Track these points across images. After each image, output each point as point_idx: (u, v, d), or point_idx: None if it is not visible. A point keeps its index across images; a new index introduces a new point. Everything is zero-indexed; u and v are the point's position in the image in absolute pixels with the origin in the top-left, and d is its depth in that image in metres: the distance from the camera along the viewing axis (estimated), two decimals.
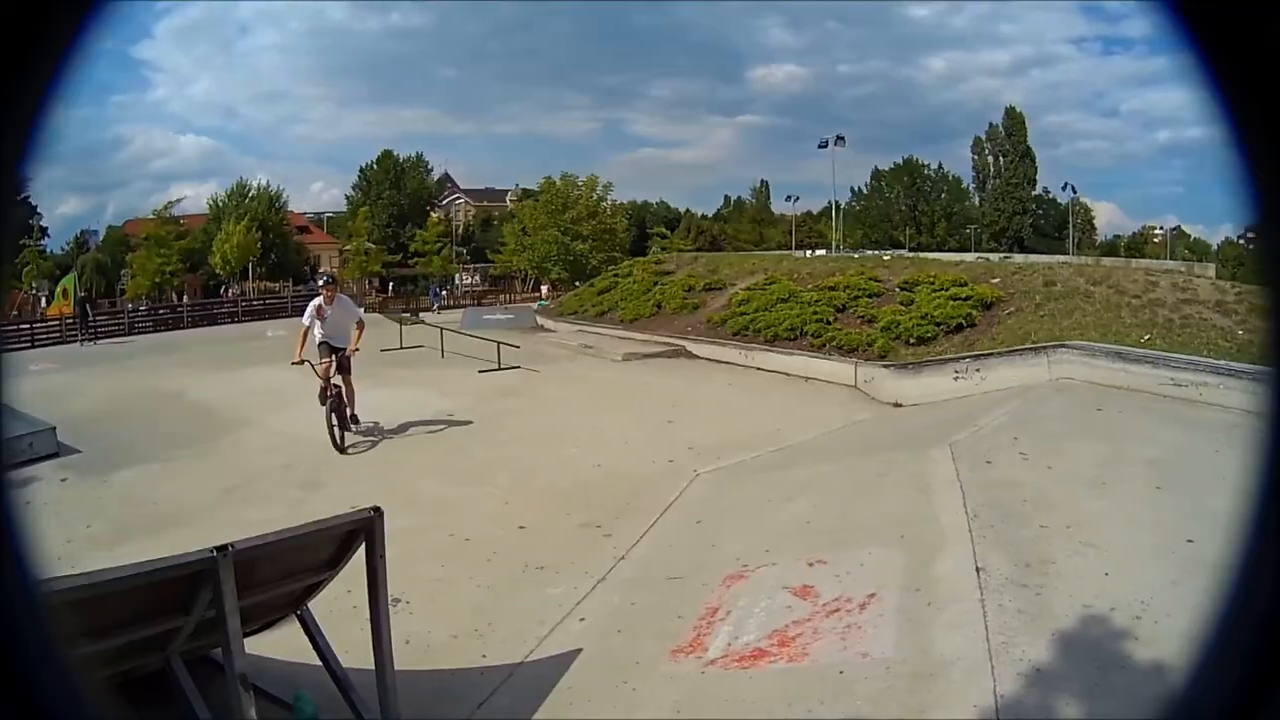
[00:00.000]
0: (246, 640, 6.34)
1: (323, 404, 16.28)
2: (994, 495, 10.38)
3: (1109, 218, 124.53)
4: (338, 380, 16.46)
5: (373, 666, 7.07)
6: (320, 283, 17.97)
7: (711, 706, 7.02)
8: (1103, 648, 6.96)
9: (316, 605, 7.45)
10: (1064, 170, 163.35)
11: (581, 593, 9.51)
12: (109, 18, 1.39)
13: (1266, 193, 1.29)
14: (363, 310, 19.73)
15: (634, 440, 15.36)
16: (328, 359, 16.54)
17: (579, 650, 8.17)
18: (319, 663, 7.30)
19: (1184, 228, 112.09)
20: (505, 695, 7.62)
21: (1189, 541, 8.86)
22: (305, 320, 16.91)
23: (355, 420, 16.74)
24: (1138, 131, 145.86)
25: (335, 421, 16.18)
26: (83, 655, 5.49)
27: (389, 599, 7.14)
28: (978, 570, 8.28)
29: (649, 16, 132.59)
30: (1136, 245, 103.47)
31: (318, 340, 16.75)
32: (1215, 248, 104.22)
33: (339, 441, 16.07)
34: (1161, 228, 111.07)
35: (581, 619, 8.94)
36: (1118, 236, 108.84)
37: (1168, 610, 7.37)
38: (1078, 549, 8.85)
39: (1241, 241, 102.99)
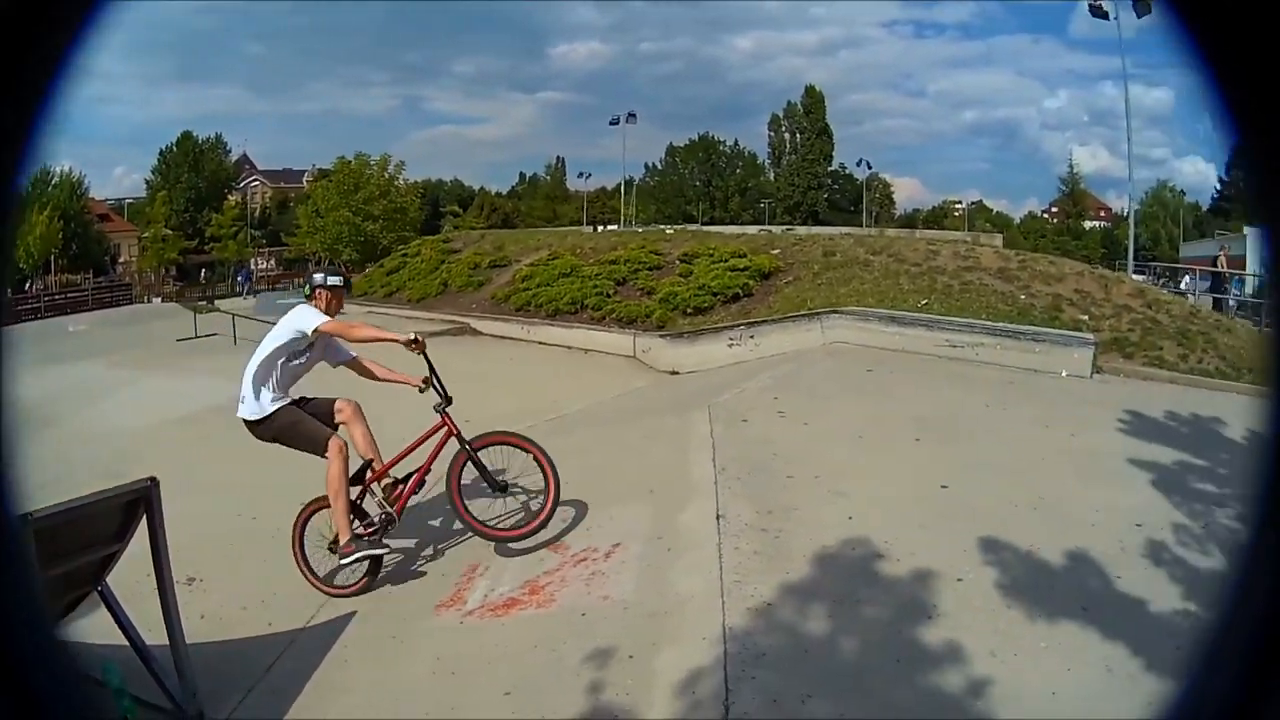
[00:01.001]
0: (61, 625, 6.63)
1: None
2: (745, 450, 10.88)
3: (910, 193, 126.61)
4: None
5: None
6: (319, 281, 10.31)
7: (467, 653, 7.43)
8: (838, 584, 7.50)
9: (124, 585, 7.57)
10: (867, 147, 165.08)
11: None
12: (109, 17, 1.44)
13: (1266, 193, 1.30)
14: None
15: (415, 417, 15.25)
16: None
17: (354, 613, 8.52)
18: (122, 643, 7.40)
19: (985, 202, 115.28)
20: (290, 658, 7.88)
21: (943, 487, 9.63)
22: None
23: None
24: (945, 111, 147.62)
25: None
26: None
27: (174, 575, 7.42)
28: (718, 518, 8.78)
29: None
30: (936, 219, 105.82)
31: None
32: (1017, 221, 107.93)
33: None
34: (961, 202, 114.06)
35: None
36: (917, 210, 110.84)
37: (911, 549, 7.99)
38: (825, 497, 9.39)
39: (1045, 215, 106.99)
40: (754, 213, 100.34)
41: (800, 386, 14.50)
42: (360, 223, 53.85)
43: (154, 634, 7.42)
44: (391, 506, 9.51)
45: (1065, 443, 11.61)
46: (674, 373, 19.23)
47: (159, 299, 57.83)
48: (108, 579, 7.46)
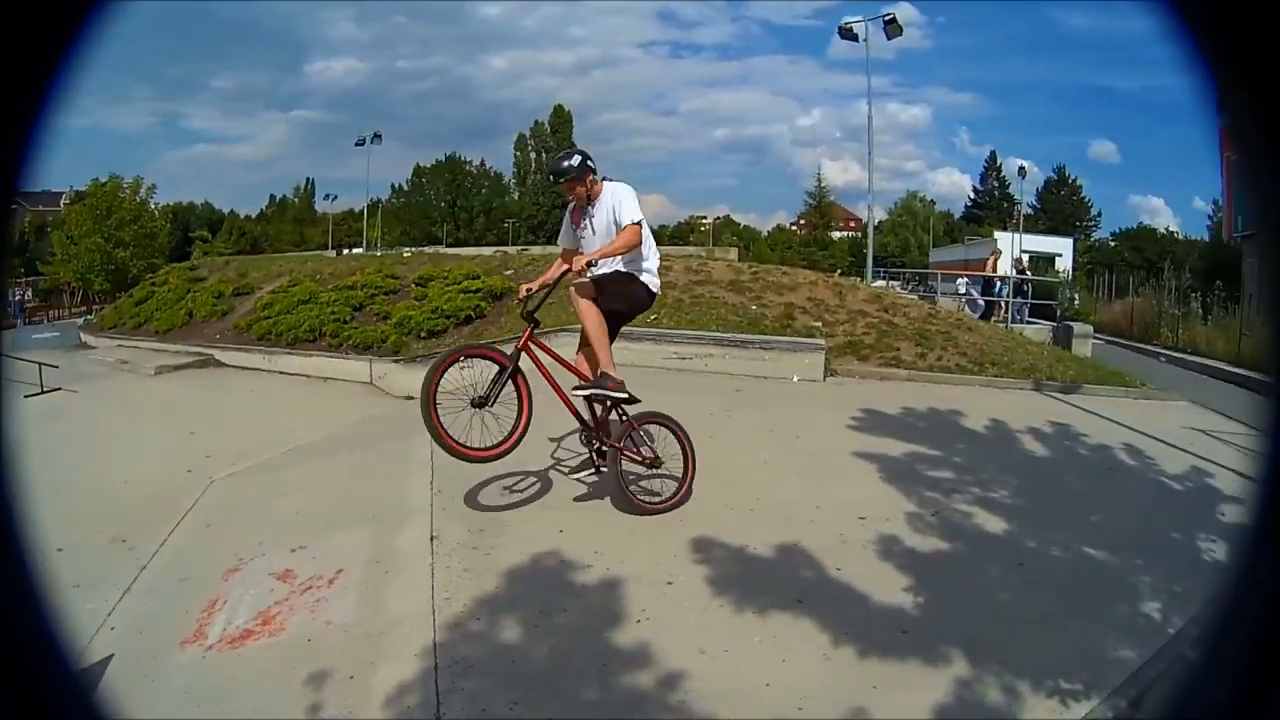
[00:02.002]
0: None
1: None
2: (462, 471, 10.73)
3: (657, 209, 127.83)
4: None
5: None
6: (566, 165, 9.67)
7: (211, 684, 7.47)
8: (545, 594, 7.70)
9: None
10: (616, 165, 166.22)
11: (111, 604, 9.62)
12: (110, 17, 1.44)
13: (1265, 194, 1.29)
14: None
15: (160, 454, 15.26)
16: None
17: (111, 655, 8.26)
18: None
19: (734, 216, 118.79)
20: None
21: None
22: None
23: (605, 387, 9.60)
24: (696, 129, 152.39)
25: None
26: None
27: None
28: (432, 539, 8.98)
29: (230, 6, 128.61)
30: (682, 234, 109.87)
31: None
32: (765, 234, 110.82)
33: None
34: (707, 217, 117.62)
35: (112, 627, 9.11)
36: (663, 226, 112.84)
37: (621, 557, 8.28)
38: (536, 512, 9.64)
39: (794, 228, 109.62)
40: (499, 233, 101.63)
41: None
42: (112, 250, 52.12)
43: None
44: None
45: (791, 444, 11.99)
46: (409, 398, 18.47)
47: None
48: None
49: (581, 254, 9.41)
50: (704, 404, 13.72)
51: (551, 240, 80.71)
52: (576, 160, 9.60)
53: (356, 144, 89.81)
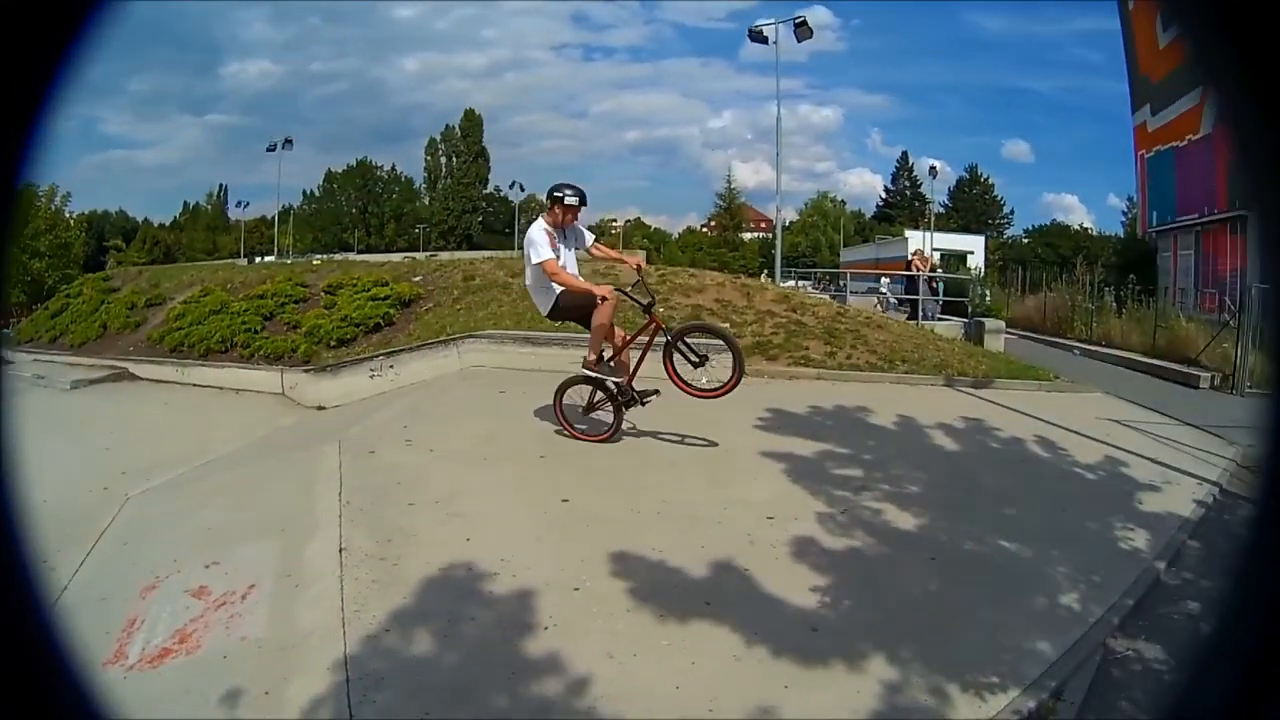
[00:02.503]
0: None
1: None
2: (370, 481, 11.02)
3: None
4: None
5: None
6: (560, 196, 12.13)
7: (132, 704, 7.24)
8: (453, 604, 7.70)
9: None
10: (525, 168, 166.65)
11: None
12: (110, 17, 1.46)
13: (1264, 193, 1.28)
14: None
15: (76, 470, 14.84)
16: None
17: None
18: None
19: (644, 218, 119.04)
20: None
21: (564, 501, 9.95)
22: (545, 252, 11.72)
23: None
24: (606, 131, 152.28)
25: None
26: None
27: None
28: (341, 550, 8.94)
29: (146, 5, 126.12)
30: (594, 233, 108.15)
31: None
32: (676, 235, 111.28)
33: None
34: (618, 220, 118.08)
35: None
36: None
37: (528, 564, 8.29)
38: (443, 520, 9.60)
39: (704, 229, 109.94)
40: (409, 238, 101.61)
41: (431, 413, 14.70)
42: (27, 260, 51.47)
43: None
44: (620, 376, 12.22)
45: (694, 446, 12.03)
46: (320, 408, 18.85)
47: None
48: None
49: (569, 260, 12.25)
50: None
51: (461, 245, 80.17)
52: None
53: (268, 149, 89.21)
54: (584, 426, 12.47)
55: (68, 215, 55.84)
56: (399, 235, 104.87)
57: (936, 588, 7.96)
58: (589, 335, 12.06)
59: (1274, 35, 1.21)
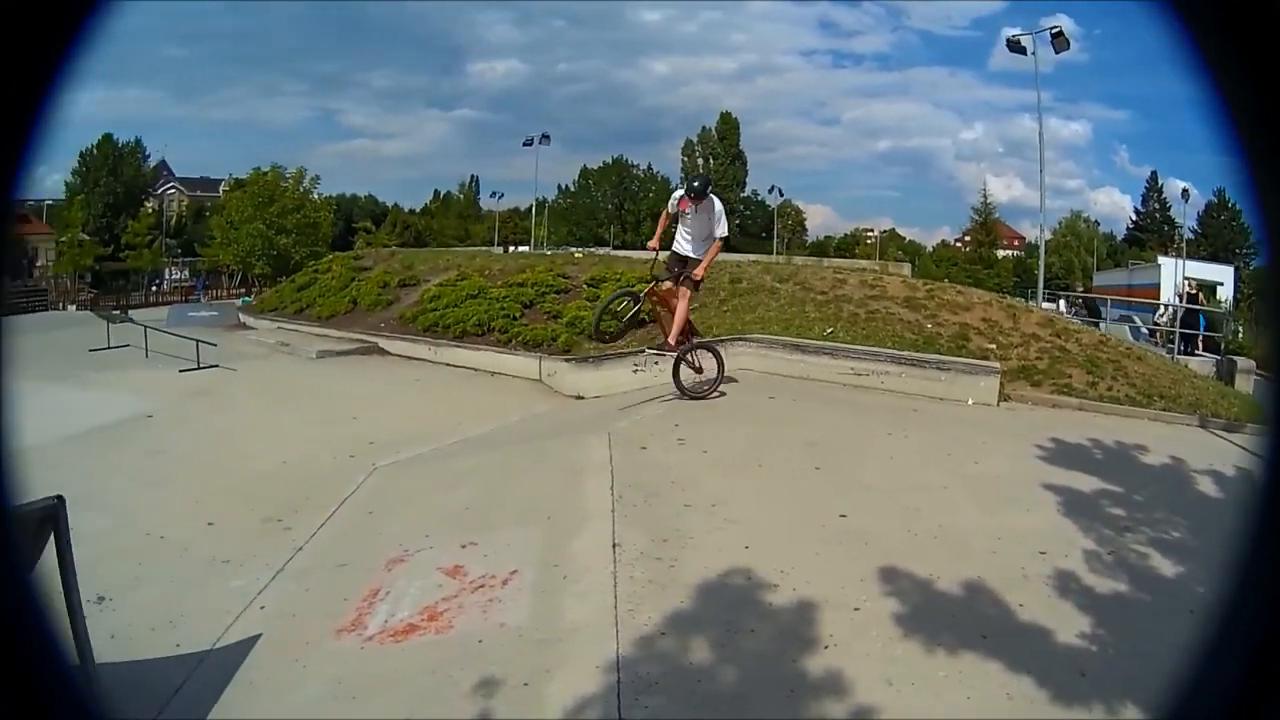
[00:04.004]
0: None
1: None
2: (642, 477, 10.89)
3: (823, 219, 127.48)
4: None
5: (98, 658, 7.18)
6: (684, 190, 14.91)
7: (367, 677, 7.40)
8: (732, 613, 7.51)
9: None
10: (778, 174, 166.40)
11: (262, 583, 9.65)
12: (110, 17, 1.46)
13: (1266, 197, 1.33)
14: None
15: (320, 437, 15.49)
16: (673, 272, 14.91)
17: (259, 635, 8.38)
18: None
19: (898, 230, 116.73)
20: (197, 681, 7.75)
21: (842, 516, 9.65)
22: (670, 207, 15.01)
23: (669, 348, 15.17)
24: (858, 139, 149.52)
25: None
26: None
27: (81, 595, 7.32)
28: (614, 546, 8.83)
29: (383, 8, 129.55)
30: (848, 246, 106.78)
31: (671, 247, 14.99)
32: (930, 249, 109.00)
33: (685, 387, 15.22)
34: (873, 230, 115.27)
35: (262, 607, 9.11)
36: (829, 237, 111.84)
37: (808, 578, 8.04)
38: (720, 525, 9.43)
39: (958, 244, 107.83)
40: (664, 237, 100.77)
41: (700, 413, 14.47)
42: (274, 236, 53.12)
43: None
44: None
45: (968, 470, 11.65)
46: (579, 397, 19.03)
47: (74, 306, 56.71)
48: None
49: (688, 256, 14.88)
50: (880, 423, 13.53)
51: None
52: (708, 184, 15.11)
53: (524, 144, 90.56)
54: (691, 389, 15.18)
55: (315, 196, 57.18)
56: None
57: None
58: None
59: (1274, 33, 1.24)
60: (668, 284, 14.97)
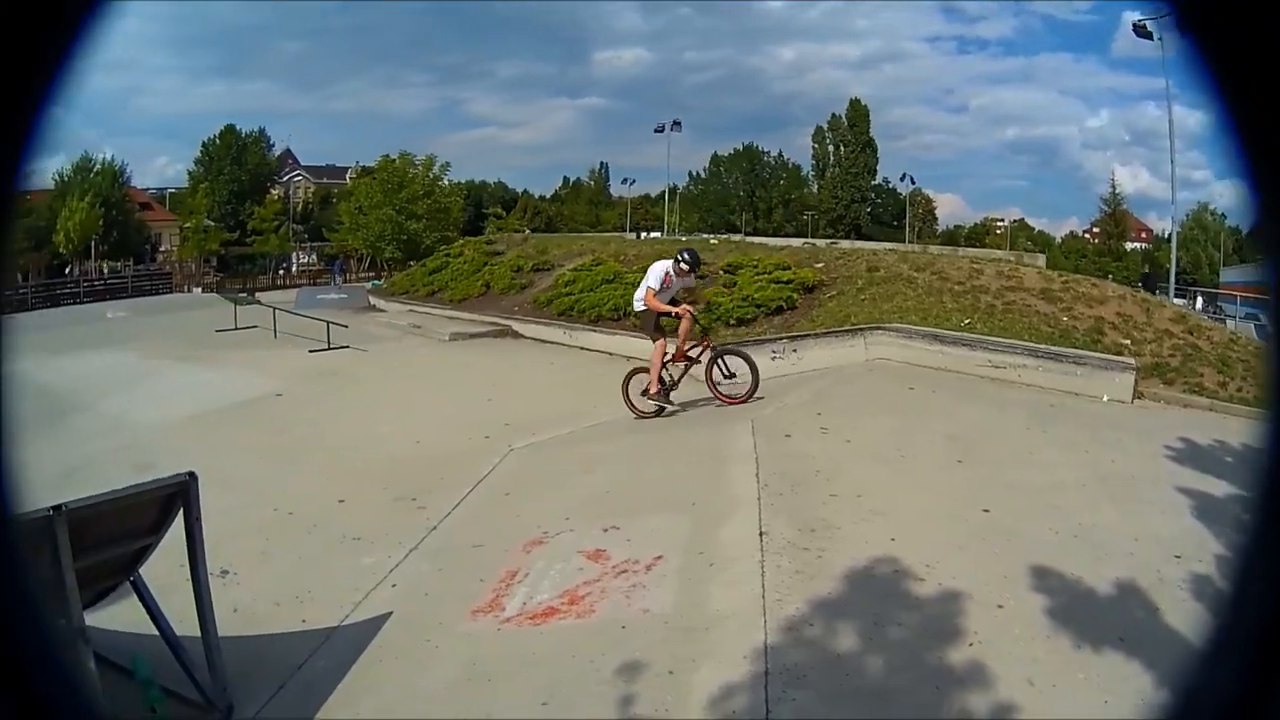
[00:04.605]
0: (88, 613, 6.59)
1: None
2: (787, 466, 10.81)
3: (951, 209, 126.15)
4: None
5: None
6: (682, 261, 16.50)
7: (504, 659, 7.37)
8: (879, 606, 7.39)
9: (154, 578, 7.60)
10: (906, 162, 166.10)
11: (394, 561, 9.72)
12: (109, 16, 1.41)
13: (1265, 192, 1.29)
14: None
15: (454, 418, 15.68)
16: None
17: (389, 613, 8.42)
18: (153, 633, 7.47)
19: (1027, 220, 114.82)
20: (323, 656, 7.84)
21: (984, 511, 9.47)
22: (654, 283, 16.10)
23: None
24: (985, 128, 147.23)
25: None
26: None
27: (209, 567, 7.41)
28: (761, 534, 8.72)
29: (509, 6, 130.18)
30: (978, 235, 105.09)
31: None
32: (1058, 240, 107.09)
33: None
34: (1003, 220, 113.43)
35: (393, 585, 9.18)
36: (959, 226, 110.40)
37: (953, 573, 7.90)
38: (866, 516, 9.32)
39: (1086, 236, 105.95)
40: (796, 225, 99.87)
41: (843, 403, 14.37)
42: (403, 221, 53.96)
43: (184, 626, 7.46)
44: (675, 381, 16.22)
45: (1105, 468, 11.36)
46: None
47: (199, 289, 58.53)
48: (140, 570, 7.51)
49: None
50: (1018, 418, 13.41)
51: (849, 235, 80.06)
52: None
53: (656, 130, 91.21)
54: (658, 403, 15.90)
55: (445, 183, 57.96)
56: (786, 221, 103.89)
57: None
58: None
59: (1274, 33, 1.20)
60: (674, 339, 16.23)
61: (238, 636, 7.79)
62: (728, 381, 15.80)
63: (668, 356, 15.82)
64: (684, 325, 15.85)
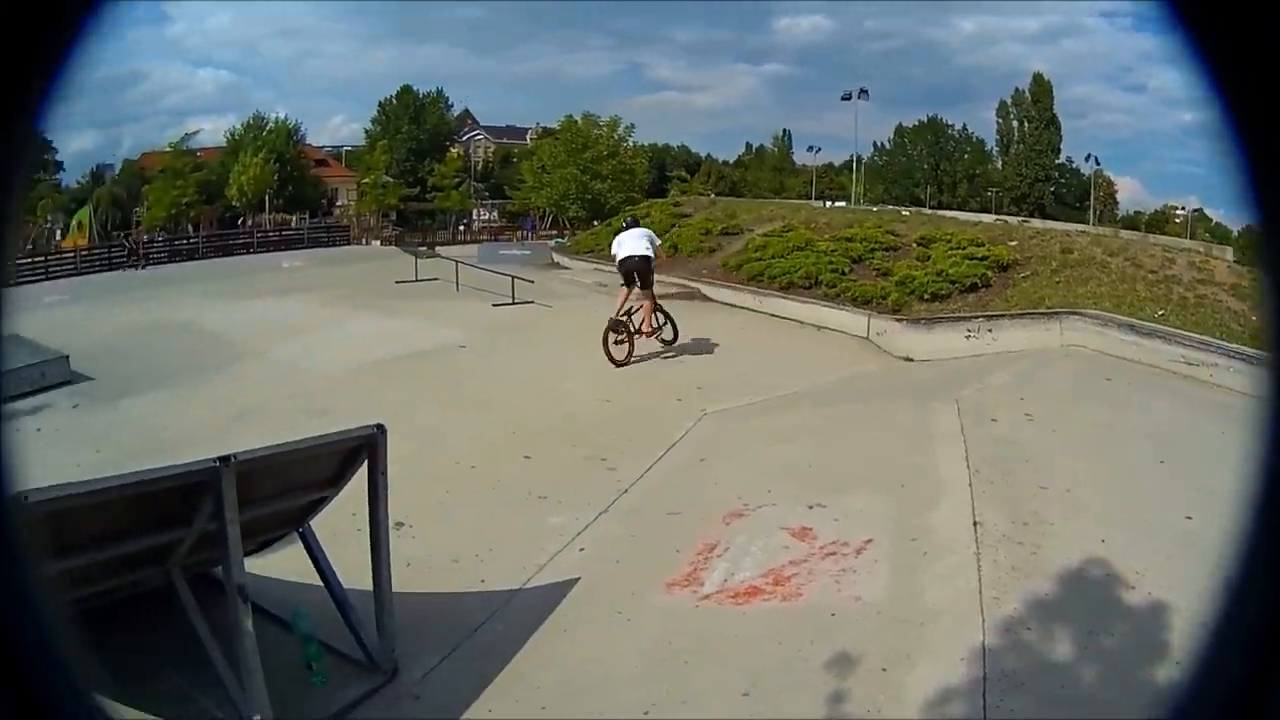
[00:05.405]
0: (249, 560, 6.47)
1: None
2: (995, 451, 10.36)
3: (1130, 193, 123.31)
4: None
5: (371, 588, 7.19)
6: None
7: (701, 639, 7.08)
8: (1092, 610, 6.98)
9: (320, 526, 7.52)
10: (1086, 142, 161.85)
11: (583, 523, 9.55)
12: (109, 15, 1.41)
13: (1264, 186, 1.31)
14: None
15: (644, 378, 15.66)
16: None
17: (576, 579, 8.21)
18: (317, 584, 7.41)
19: (1205, 210, 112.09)
20: (500, 620, 7.67)
21: (1187, 518, 8.85)
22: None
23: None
24: (1162, 109, 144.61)
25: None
26: (82, 567, 5.56)
27: (389, 521, 7.22)
28: (975, 524, 8.26)
29: None
30: (1157, 223, 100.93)
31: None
32: (1235, 233, 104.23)
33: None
34: (1183, 208, 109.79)
35: (581, 548, 9.00)
36: (1138, 212, 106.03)
37: (1160, 582, 7.39)
38: (1075, 512, 8.83)
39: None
40: (980, 200, 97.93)
41: (1042, 389, 13.85)
42: (588, 181, 54.94)
43: (350, 578, 7.40)
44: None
45: None
46: (908, 359, 18.68)
47: (377, 242, 59.56)
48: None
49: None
50: (1215, 420, 12.34)
51: (1033, 214, 78.63)
52: None
53: (843, 98, 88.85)
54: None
55: (629, 145, 58.48)
56: (970, 196, 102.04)
57: None
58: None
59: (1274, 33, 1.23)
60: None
61: (409, 593, 7.64)
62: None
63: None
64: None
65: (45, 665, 1.41)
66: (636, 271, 17.82)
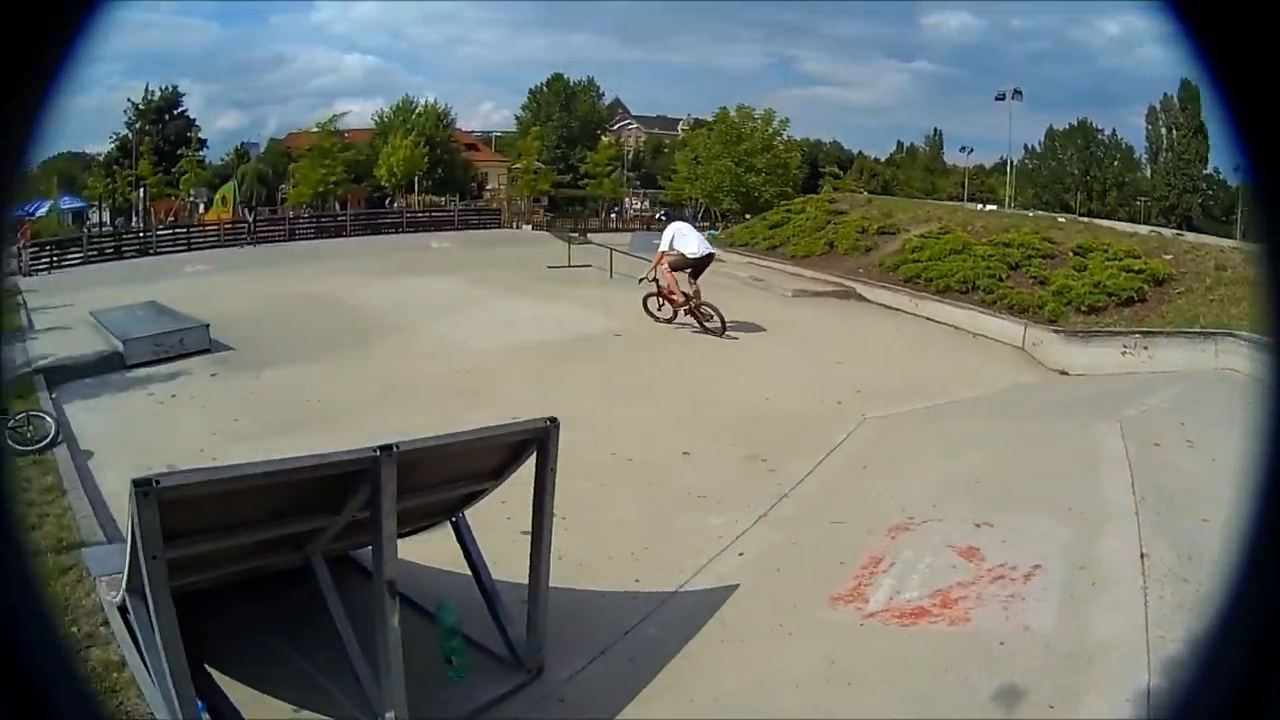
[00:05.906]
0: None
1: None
2: (1160, 479, 9.97)
3: None
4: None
5: (517, 579, 7.15)
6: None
7: (867, 660, 6.89)
8: None
9: (469, 512, 7.41)
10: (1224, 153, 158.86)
11: (742, 526, 9.39)
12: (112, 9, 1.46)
13: (1264, 182, 1.34)
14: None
15: (803, 377, 15.43)
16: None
17: (736, 585, 8.05)
18: (463, 572, 7.33)
19: None
20: (654, 623, 7.55)
21: None
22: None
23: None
24: None
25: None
26: (225, 547, 5.46)
27: (551, 519, 7.07)
28: (1142, 556, 7.94)
29: None
30: None
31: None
32: None
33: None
34: None
35: (740, 553, 8.83)
36: None
37: None
38: None
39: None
40: (1129, 210, 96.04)
41: (1202, 413, 13.29)
42: (742, 174, 55.27)
43: (498, 569, 7.35)
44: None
45: None
46: (1063, 372, 18.39)
47: (528, 226, 60.10)
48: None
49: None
50: None
51: (1180, 227, 77.64)
52: None
53: (997, 98, 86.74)
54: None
55: (783, 138, 58.64)
56: (1120, 205, 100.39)
57: None
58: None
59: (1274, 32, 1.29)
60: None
61: (559, 588, 7.46)
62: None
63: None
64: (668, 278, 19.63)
65: (44, 666, 1.48)
66: (706, 267, 19.52)
